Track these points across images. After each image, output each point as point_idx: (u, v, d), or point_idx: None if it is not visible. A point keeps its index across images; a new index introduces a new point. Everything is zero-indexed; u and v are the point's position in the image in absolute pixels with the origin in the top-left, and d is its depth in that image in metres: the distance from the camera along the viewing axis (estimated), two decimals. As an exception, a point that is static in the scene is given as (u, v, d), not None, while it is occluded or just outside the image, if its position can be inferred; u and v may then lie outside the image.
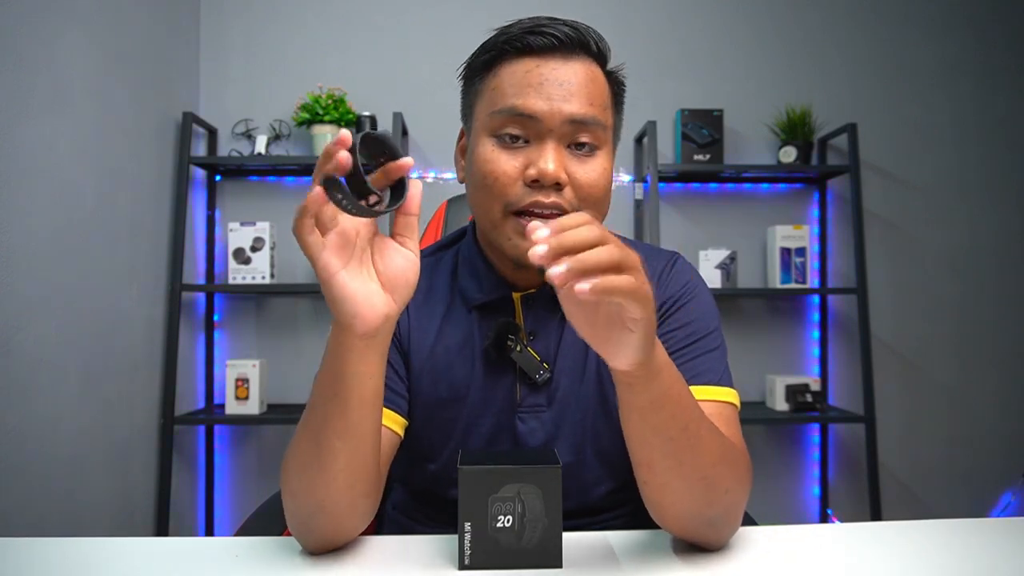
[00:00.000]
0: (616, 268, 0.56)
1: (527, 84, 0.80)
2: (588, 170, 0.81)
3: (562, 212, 0.80)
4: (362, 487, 0.74)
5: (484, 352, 0.88)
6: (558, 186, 0.80)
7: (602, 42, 0.85)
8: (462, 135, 0.91)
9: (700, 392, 0.82)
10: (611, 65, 0.87)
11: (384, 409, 0.84)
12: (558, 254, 0.55)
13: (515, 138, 0.81)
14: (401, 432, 0.88)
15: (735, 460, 0.74)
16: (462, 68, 0.89)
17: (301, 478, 0.73)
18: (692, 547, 0.77)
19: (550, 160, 0.79)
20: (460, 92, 0.90)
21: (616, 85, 0.88)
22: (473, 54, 0.87)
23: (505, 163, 0.81)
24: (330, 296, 0.65)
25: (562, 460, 0.86)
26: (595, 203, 0.82)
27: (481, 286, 0.90)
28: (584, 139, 0.81)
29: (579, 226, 0.57)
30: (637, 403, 0.67)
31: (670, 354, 0.84)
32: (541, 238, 0.56)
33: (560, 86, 0.80)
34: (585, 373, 0.89)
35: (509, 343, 0.86)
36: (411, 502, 0.96)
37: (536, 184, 0.79)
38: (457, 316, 0.91)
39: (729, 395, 0.85)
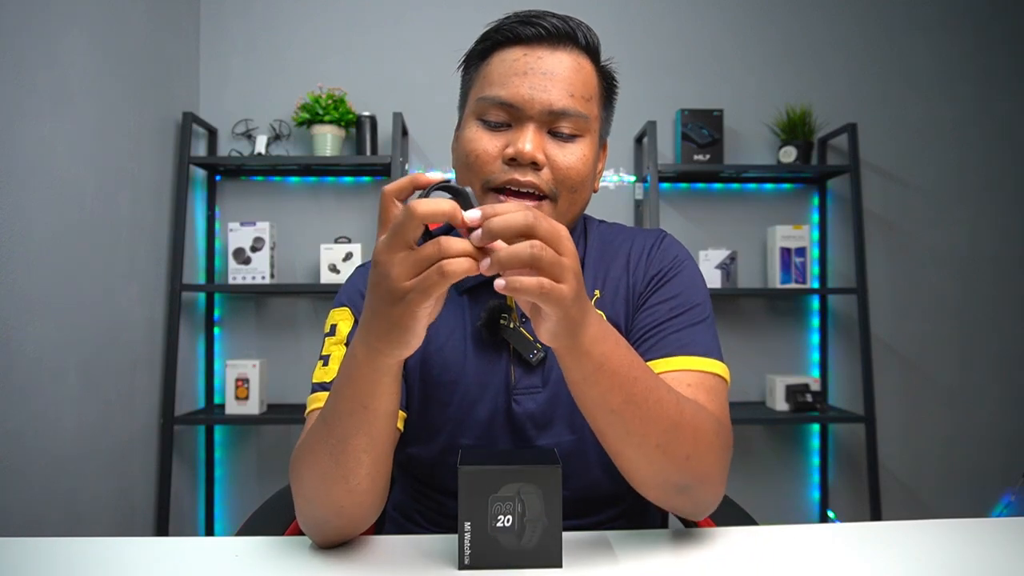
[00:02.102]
0: (533, 265, 0.59)
1: (513, 72, 0.84)
2: (567, 154, 0.85)
3: (538, 192, 0.83)
4: (379, 488, 0.75)
5: (477, 334, 0.89)
6: (535, 166, 0.83)
7: (591, 35, 0.88)
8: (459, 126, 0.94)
9: (685, 363, 0.83)
10: (604, 60, 0.90)
11: None
12: (487, 239, 0.59)
13: (498, 122, 0.85)
14: (402, 426, 0.88)
15: (698, 426, 0.74)
16: (462, 59, 0.92)
17: (320, 486, 0.73)
18: (692, 546, 0.77)
19: (528, 141, 0.82)
20: (460, 82, 0.93)
21: (606, 79, 0.91)
22: (472, 45, 0.90)
23: (487, 143, 0.84)
24: (406, 328, 0.63)
25: (561, 439, 0.87)
26: (572, 187, 0.85)
27: None
28: (564, 128, 0.84)
29: (509, 212, 0.59)
30: (571, 376, 0.69)
31: (656, 326, 0.86)
32: (473, 218, 0.59)
33: (543, 75, 0.83)
34: None
35: (502, 321, 0.87)
36: (408, 501, 0.96)
37: (514, 163, 0.83)
38: (449, 300, 0.92)
39: (715, 366, 0.84)
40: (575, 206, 0.87)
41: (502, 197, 0.83)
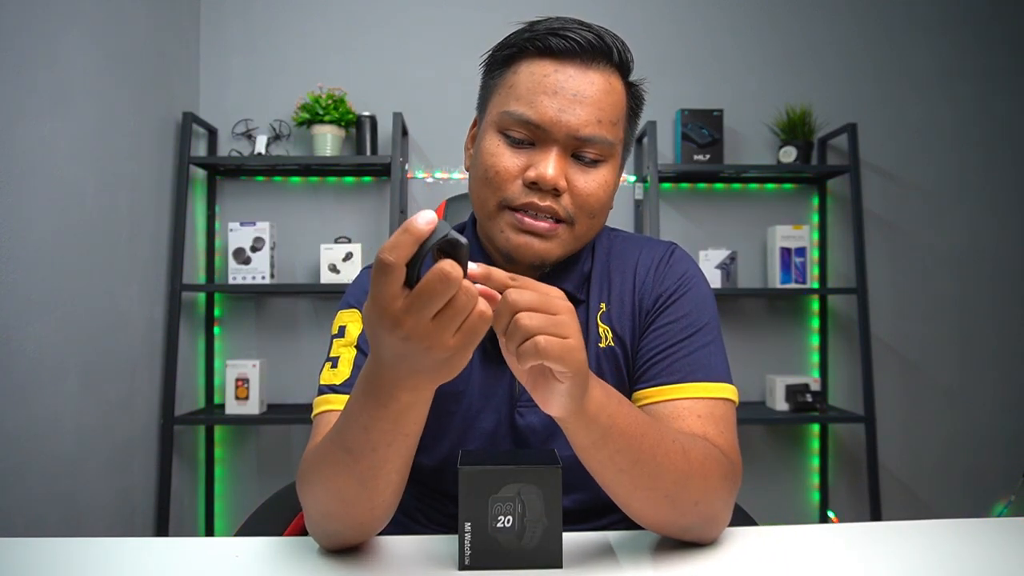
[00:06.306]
0: (546, 331, 0.60)
1: (541, 90, 0.80)
2: (588, 180, 0.82)
3: (556, 217, 0.81)
4: (398, 500, 0.75)
5: (483, 345, 0.88)
6: (556, 192, 0.80)
7: (626, 51, 0.84)
8: (475, 124, 0.91)
9: (696, 390, 0.83)
10: (634, 77, 0.87)
11: None
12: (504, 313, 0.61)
13: (521, 139, 0.81)
14: None
15: (707, 473, 0.74)
16: (484, 58, 0.88)
17: (341, 506, 0.72)
18: (692, 547, 0.78)
19: (551, 166, 0.79)
20: (480, 81, 0.89)
21: (634, 98, 0.88)
22: (496, 46, 0.87)
23: (507, 160, 0.81)
24: (456, 367, 0.60)
25: (564, 454, 0.87)
26: (590, 213, 0.83)
27: None
28: (588, 153, 0.82)
29: (521, 289, 0.62)
30: (578, 442, 0.69)
31: (665, 349, 0.85)
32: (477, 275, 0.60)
33: (573, 97, 0.80)
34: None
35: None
36: (411, 502, 0.96)
37: (534, 186, 0.80)
38: None
39: (725, 391, 0.84)
40: (592, 230, 0.85)
41: (518, 215, 0.81)
